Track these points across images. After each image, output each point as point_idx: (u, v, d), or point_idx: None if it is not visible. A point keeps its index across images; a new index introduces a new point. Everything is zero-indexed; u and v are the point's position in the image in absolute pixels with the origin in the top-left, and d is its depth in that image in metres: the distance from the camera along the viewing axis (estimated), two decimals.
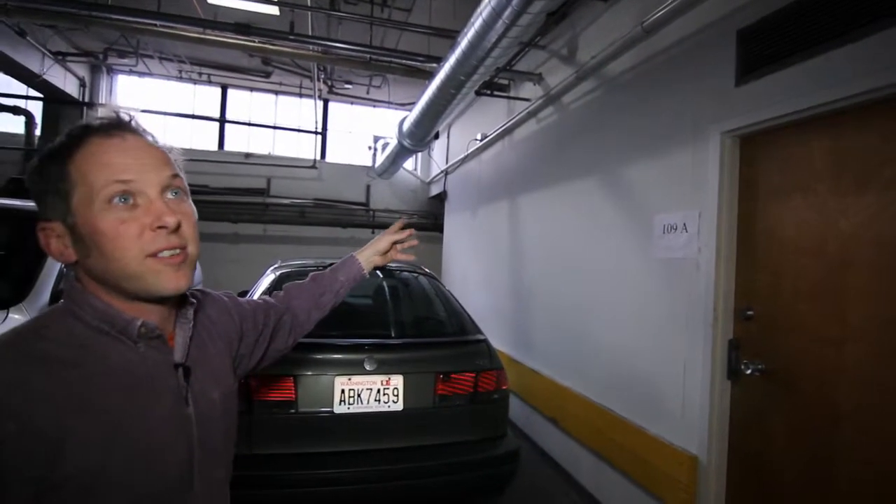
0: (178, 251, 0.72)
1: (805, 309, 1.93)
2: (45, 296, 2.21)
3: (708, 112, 2.33)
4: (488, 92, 4.55)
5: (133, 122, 0.73)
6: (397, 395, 2.29)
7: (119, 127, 0.71)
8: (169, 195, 0.72)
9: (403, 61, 4.81)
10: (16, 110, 6.46)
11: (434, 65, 3.85)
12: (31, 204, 2.51)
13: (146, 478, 0.69)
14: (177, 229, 0.71)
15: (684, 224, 2.42)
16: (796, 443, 1.95)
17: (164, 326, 0.76)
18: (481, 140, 5.46)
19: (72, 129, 0.70)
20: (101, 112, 0.72)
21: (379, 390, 2.27)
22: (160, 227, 0.69)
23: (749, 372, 2.11)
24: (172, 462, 0.72)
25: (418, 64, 4.65)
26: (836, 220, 1.83)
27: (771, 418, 2.05)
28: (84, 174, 0.67)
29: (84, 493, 0.63)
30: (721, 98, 2.25)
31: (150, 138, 0.74)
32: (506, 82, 4.88)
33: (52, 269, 2.30)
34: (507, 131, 4.90)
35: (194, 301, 0.84)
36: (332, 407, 2.22)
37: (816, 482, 1.86)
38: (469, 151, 5.98)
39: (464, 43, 2.99)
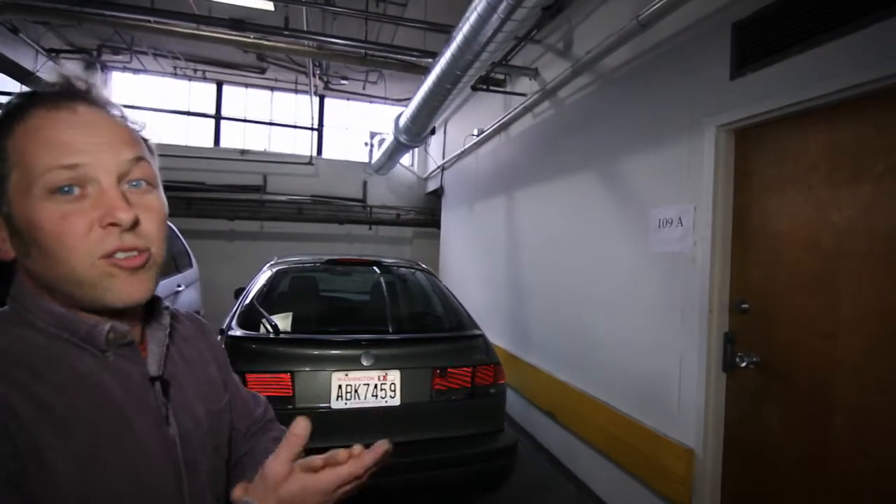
0: (134, 253, 0.58)
1: (799, 301, 1.94)
2: None
3: (703, 106, 2.33)
4: (484, 87, 4.54)
5: (91, 92, 0.59)
6: (394, 391, 2.30)
7: (70, 97, 0.58)
8: (126, 185, 0.59)
9: (399, 56, 4.79)
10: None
11: (430, 60, 3.83)
12: None
13: None
14: (133, 227, 0.58)
15: (680, 218, 2.43)
16: (791, 435, 1.96)
17: (133, 332, 0.64)
18: (478, 135, 5.45)
19: (13, 98, 0.58)
20: (51, 79, 0.59)
21: (376, 385, 2.27)
22: (111, 224, 0.56)
23: (744, 365, 2.12)
24: (162, 489, 0.62)
25: (414, 59, 4.64)
26: (829, 213, 1.84)
27: (766, 411, 2.07)
28: (22, 154, 0.55)
29: None
30: (716, 91, 2.25)
31: (113, 112, 0.61)
32: (502, 77, 4.87)
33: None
34: (504, 126, 4.89)
35: (168, 306, 0.72)
36: (330, 402, 2.22)
37: (811, 473, 1.88)
38: (465, 147, 5.97)
39: (459, 38, 2.98)
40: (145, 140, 0.65)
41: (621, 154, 2.97)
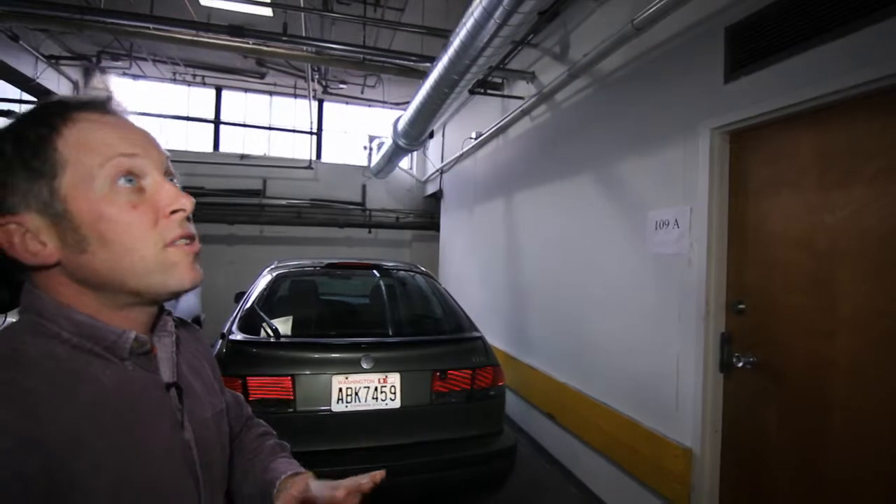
0: (193, 240, 0.63)
1: (795, 302, 1.96)
2: None
3: (698, 109, 2.35)
4: (482, 90, 4.57)
5: (117, 103, 0.64)
6: (394, 393, 2.31)
7: (112, 104, 0.63)
8: (169, 180, 0.64)
9: (397, 61, 4.82)
10: (8, 114, 6.43)
11: (428, 64, 3.86)
12: None
13: None
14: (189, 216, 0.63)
15: (676, 220, 2.45)
16: (788, 434, 1.98)
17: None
18: (476, 138, 5.48)
19: (45, 104, 0.59)
20: (75, 94, 0.64)
21: (376, 388, 2.29)
22: (175, 212, 0.61)
23: (741, 365, 2.14)
24: (183, 494, 0.64)
25: (412, 63, 4.66)
26: (822, 214, 1.86)
27: (763, 410, 2.09)
28: (78, 151, 0.56)
29: None
30: (710, 94, 2.28)
31: (132, 121, 0.65)
32: (499, 81, 4.90)
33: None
34: (502, 129, 4.92)
35: (170, 311, 0.73)
36: (331, 405, 2.24)
37: (809, 473, 1.89)
38: (464, 150, 6.00)
39: (456, 42, 3.01)
40: None
41: (618, 156, 2.99)
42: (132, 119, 0.65)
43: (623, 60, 2.96)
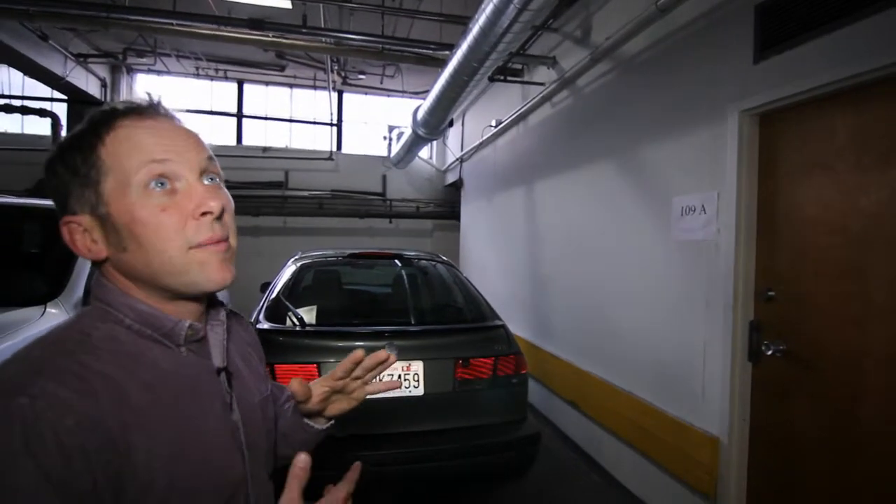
0: (222, 241, 0.65)
1: (827, 289, 1.91)
2: (80, 291, 2.30)
3: (726, 91, 2.28)
4: (502, 77, 4.52)
5: (161, 106, 0.67)
6: (418, 381, 2.34)
7: (151, 110, 0.65)
8: (206, 181, 0.66)
9: (416, 50, 4.80)
10: (42, 112, 6.64)
11: (446, 52, 3.83)
12: None
13: (211, 492, 0.63)
14: (220, 217, 0.65)
15: (703, 205, 2.40)
16: (819, 423, 1.93)
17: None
18: (496, 126, 5.44)
19: (94, 113, 0.64)
20: (123, 99, 0.67)
21: (400, 376, 2.32)
22: (204, 214, 0.63)
23: (770, 353, 2.09)
24: (231, 472, 0.67)
25: (430, 52, 4.63)
26: (857, 198, 1.79)
27: (793, 399, 2.04)
28: (116, 158, 0.61)
29: None
30: (739, 76, 2.21)
31: (178, 122, 0.68)
32: (519, 67, 4.84)
33: (85, 264, 2.40)
34: (522, 117, 4.87)
35: (223, 301, 0.78)
36: None
37: (840, 463, 1.85)
38: (484, 138, 5.96)
39: (475, 29, 2.98)
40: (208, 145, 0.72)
41: (642, 142, 2.93)
42: (178, 120, 0.68)
43: (647, 43, 2.89)
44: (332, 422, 0.94)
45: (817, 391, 1.95)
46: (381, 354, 0.89)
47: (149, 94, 0.67)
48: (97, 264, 0.65)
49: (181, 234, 0.61)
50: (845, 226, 1.84)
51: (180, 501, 0.59)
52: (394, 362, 0.90)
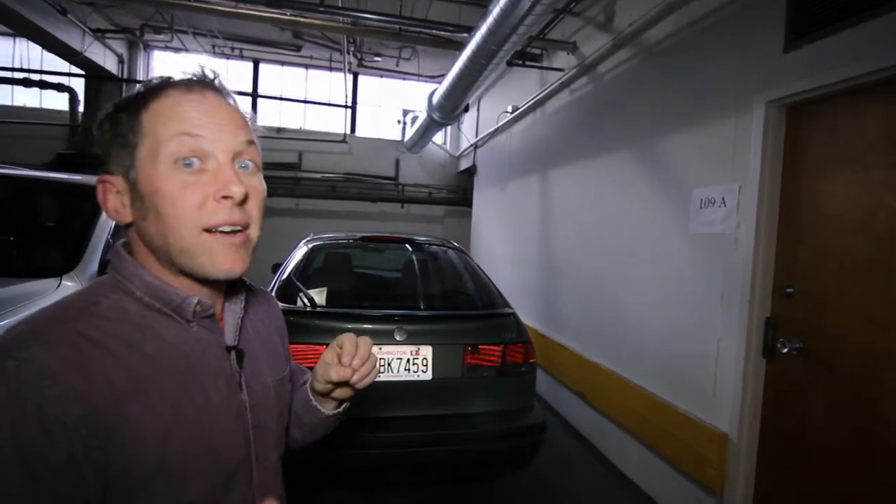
0: (239, 229, 0.64)
1: (849, 287, 1.86)
2: (95, 264, 2.32)
3: (752, 81, 2.21)
4: (520, 62, 4.44)
5: (217, 81, 0.67)
6: (426, 365, 2.34)
7: (201, 84, 0.65)
8: (239, 165, 0.65)
9: (433, 31, 4.73)
10: (60, 87, 6.70)
11: (464, 35, 3.76)
12: (77, 177, 2.58)
13: (205, 468, 0.63)
14: (242, 203, 0.63)
15: (723, 198, 2.34)
16: (834, 424, 1.90)
17: (214, 306, 0.70)
18: (512, 112, 5.36)
19: (151, 80, 0.64)
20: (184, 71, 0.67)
21: (409, 360, 2.32)
22: (225, 198, 0.61)
23: (786, 350, 2.05)
24: (231, 451, 0.67)
25: (448, 34, 4.56)
26: (886, 195, 1.73)
27: (808, 398, 2.01)
28: (154, 124, 0.61)
29: (141, 485, 0.57)
30: (767, 65, 2.14)
31: (231, 101, 0.68)
32: (538, 52, 4.75)
33: (100, 239, 2.42)
34: (539, 103, 4.79)
35: (246, 281, 0.77)
36: None
37: (854, 465, 1.82)
38: (499, 124, 5.89)
39: (495, 11, 2.91)
40: (254, 129, 0.71)
41: (662, 132, 2.86)
42: (230, 98, 0.67)
43: (671, 29, 2.81)
44: (347, 405, 0.91)
45: (833, 391, 1.91)
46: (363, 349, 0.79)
47: (202, 68, 0.66)
48: (125, 227, 0.66)
49: (198, 213, 0.61)
50: (871, 223, 1.78)
51: (173, 475, 0.59)
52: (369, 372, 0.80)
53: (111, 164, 0.63)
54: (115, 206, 0.64)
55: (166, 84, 0.63)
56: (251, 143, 0.67)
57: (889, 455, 1.70)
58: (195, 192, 0.61)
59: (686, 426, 2.50)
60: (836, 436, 1.89)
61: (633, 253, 3.11)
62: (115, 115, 0.63)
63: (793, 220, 2.10)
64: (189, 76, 0.65)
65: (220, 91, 0.66)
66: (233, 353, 0.71)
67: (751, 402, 2.20)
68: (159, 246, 0.63)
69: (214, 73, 0.67)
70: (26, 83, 6.59)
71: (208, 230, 0.62)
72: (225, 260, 0.63)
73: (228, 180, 0.62)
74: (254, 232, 0.67)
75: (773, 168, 2.15)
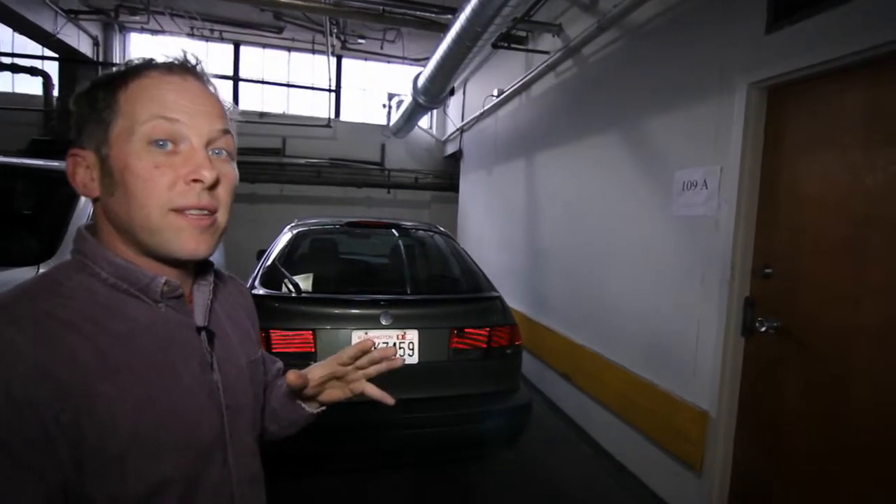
0: (206, 213, 0.64)
1: (825, 267, 1.90)
2: None
3: (735, 62, 2.22)
4: (505, 45, 4.40)
5: (198, 67, 0.67)
6: (413, 349, 2.35)
7: (182, 68, 0.65)
8: (212, 152, 0.66)
9: (418, 13, 4.66)
10: (33, 71, 6.48)
11: (449, 16, 3.72)
12: (54, 163, 2.52)
13: (178, 448, 0.63)
14: (213, 188, 0.64)
15: (705, 180, 2.37)
16: (809, 400, 1.96)
17: (182, 287, 0.69)
18: (498, 96, 5.33)
19: (131, 60, 0.65)
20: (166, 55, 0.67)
21: (395, 344, 2.33)
22: (195, 181, 0.62)
23: (764, 329, 2.10)
24: (204, 430, 0.67)
25: (433, 16, 4.50)
26: (863, 176, 1.77)
27: (784, 375, 2.06)
28: (131, 104, 0.61)
29: (117, 460, 0.57)
30: (750, 47, 2.15)
31: (211, 88, 0.68)
32: (524, 34, 4.71)
33: (78, 226, 2.37)
34: (525, 86, 4.76)
35: (213, 263, 0.77)
36: None
37: (827, 439, 1.88)
38: (485, 108, 5.85)
39: None
40: (232, 120, 0.72)
41: (646, 114, 2.87)
42: (210, 85, 0.68)
43: (656, 11, 2.80)
44: (324, 408, 0.92)
45: (809, 368, 1.96)
46: (390, 351, 0.86)
47: (184, 53, 0.67)
48: (93, 202, 0.66)
49: (166, 193, 0.61)
50: (847, 204, 1.82)
51: (145, 451, 0.60)
52: (399, 365, 0.87)
53: (84, 139, 0.64)
54: (83, 180, 0.64)
55: (148, 65, 0.64)
56: (227, 132, 0.68)
57: (857, 429, 1.77)
58: (166, 172, 0.61)
59: (667, 404, 2.55)
60: (810, 412, 1.95)
61: (618, 235, 3.14)
62: (93, 91, 0.63)
63: (773, 202, 2.13)
64: (171, 60, 0.65)
65: (200, 77, 0.67)
66: (203, 333, 0.71)
67: (729, 380, 2.26)
68: (123, 222, 0.63)
69: (196, 58, 0.68)
70: None
71: (176, 210, 0.62)
72: (190, 239, 0.64)
73: (200, 164, 0.63)
74: (222, 217, 0.67)
75: (755, 150, 2.17)
